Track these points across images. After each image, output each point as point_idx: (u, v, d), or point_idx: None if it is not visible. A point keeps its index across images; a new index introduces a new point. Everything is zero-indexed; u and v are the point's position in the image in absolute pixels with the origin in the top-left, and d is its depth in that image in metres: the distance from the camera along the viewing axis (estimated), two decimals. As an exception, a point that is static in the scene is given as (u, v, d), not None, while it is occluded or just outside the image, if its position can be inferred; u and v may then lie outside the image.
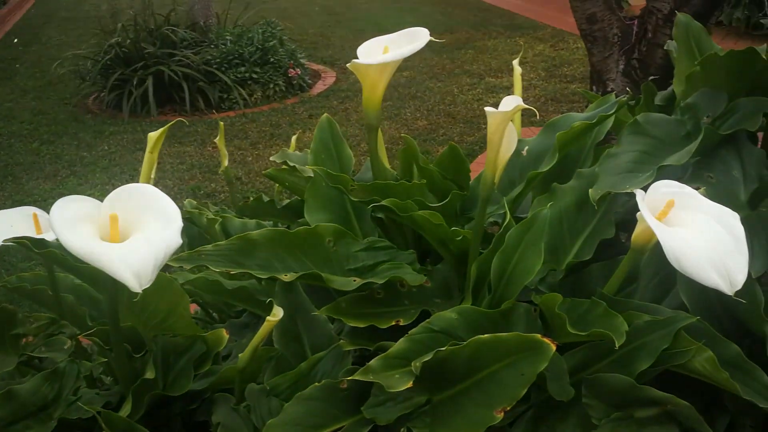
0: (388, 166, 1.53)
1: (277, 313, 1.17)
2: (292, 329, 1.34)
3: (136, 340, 1.33)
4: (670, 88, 1.88)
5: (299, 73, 6.49)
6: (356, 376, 1.08)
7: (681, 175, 1.42)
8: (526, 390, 1.06)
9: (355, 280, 1.26)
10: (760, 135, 1.57)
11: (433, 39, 1.31)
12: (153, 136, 1.36)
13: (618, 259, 1.35)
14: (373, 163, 1.42)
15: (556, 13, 8.79)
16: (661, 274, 1.30)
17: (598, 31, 3.69)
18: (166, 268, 1.26)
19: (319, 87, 6.67)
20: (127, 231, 1.04)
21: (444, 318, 1.18)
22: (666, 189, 1.13)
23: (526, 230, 1.24)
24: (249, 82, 6.26)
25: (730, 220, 1.07)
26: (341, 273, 1.30)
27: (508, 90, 6.10)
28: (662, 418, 1.13)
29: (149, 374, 1.21)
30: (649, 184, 1.22)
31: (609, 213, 1.38)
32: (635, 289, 1.31)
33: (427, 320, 1.18)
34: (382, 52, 1.35)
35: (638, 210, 1.13)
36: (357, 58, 1.35)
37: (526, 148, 1.51)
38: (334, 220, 1.52)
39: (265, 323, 1.18)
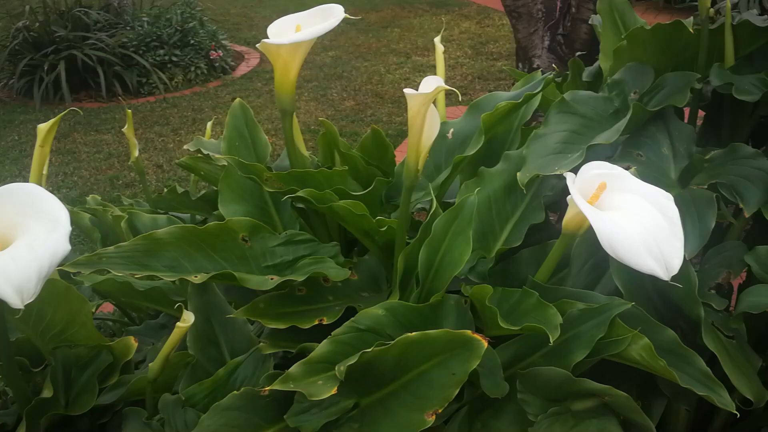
0: (305, 152, 1.43)
1: (188, 318, 1.08)
2: (208, 332, 1.24)
3: (35, 354, 1.21)
4: (596, 64, 1.84)
5: (221, 55, 6.27)
6: (275, 386, 0.99)
7: (610, 154, 1.37)
8: (458, 390, 0.99)
9: (272, 279, 1.17)
10: (686, 110, 1.55)
11: (348, 16, 1.22)
12: (43, 128, 1.23)
13: (549, 243, 1.30)
14: (290, 150, 1.33)
15: (481, -10, 8.77)
16: (594, 258, 1.25)
17: (522, 7, 3.66)
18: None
19: (243, 69, 6.47)
20: (8, 237, 0.92)
21: (370, 315, 1.11)
22: (597, 171, 1.07)
23: (454, 218, 1.17)
24: (169, 65, 6.01)
25: (664, 202, 1.03)
26: (258, 271, 1.21)
27: (435, 68, 6.02)
28: (600, 410, 1.09)
29: (46, 392, 1.10)
30: (579, 165, 1.17)
31: (538, 196, 1.32)
32: (567, 275, 1.26)
33: (352, 318, 1.10)
34: (295, 30, 1.25)
35: (568, 191, 1.07)
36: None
37: (451, 130, 1.44)
38: (251, 212, 1.42)
39: (175, 330, 1.08)
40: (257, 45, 1.23)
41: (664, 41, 1.40)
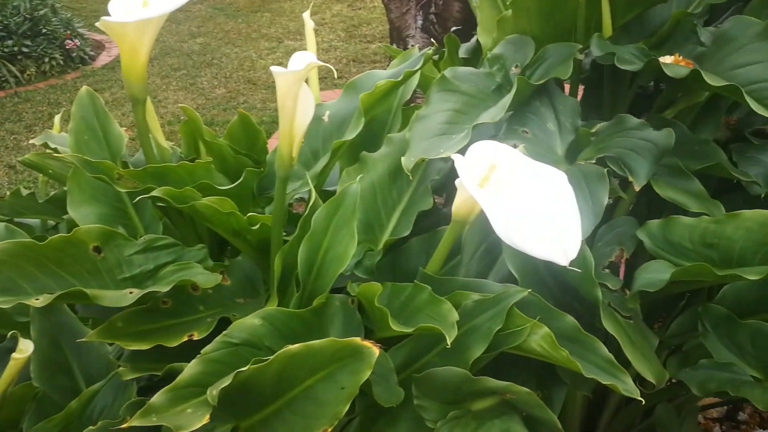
0: (165, 144, 1.28)
1: (25, 347, 0.91)
2: (57, 359, 1.08)
3: None
4: (474, 39, 1.77)
5: (78, 44, 5.84)
6: (135, 421, 0.85)
7: (495, 132, 1.30)
8: (348, 405, 0.88)
9: (131, 292, 1.02)
10: (567, 86, 1.51)
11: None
12: None
13: (438, 230, 1.22)
14: (144, 143, 1.16)
15: (351, -27, 8.64)
16: (485, 243, 1.18)
17: (394, -14, 3.58)
18: None
19: (104, 59, 6.06)
20: None
21: (245, 326, 0.98)
22: (486, 150, 0.99)
23: (336, 210, 1.06)
24: (19, 56, 5.53)
25: (558, 181, 0.95)
26: (114, 285, 1.05)
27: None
28: (501, 408, 1.01)
29: None
30: (466, 146, 1.08)
31: (425, 181, 1.23)
32: (459, 263, 1.18)
33: (225, 332, 0.97)
34: (142, 5, 1.09)
35: (455, 174, 0.98)
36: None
37: (327, 112, 1.32)
38: (106, 215, 1.26)
39: (10, 363, 0.92)
40: (97, 24, 1.06)
41: (549, 10, 1.34)
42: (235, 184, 1.16)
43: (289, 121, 0.94)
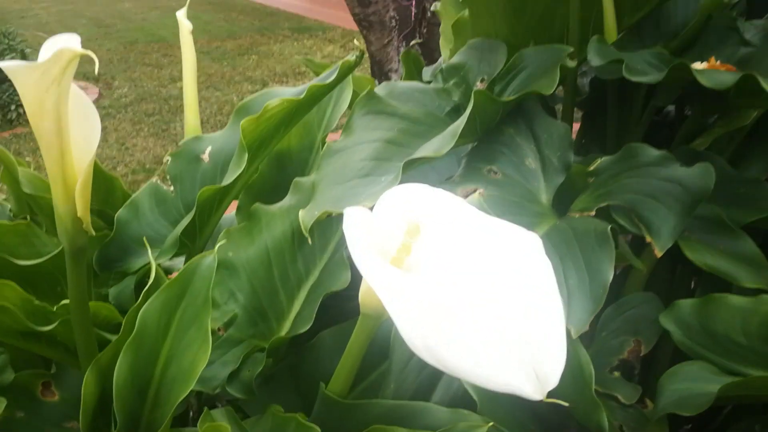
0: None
1: None
2: None
3: None
4: (440, 59, 1.41)
5: (51, 89, 5.52)
6: None
7: (450, 172, 0.91)
8: None
9: None
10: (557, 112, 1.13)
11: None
12: None
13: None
14: None
15: (347, 14, 8.39)
16: (430, 341, 0.77)
17: (373, 15, 3.23)
18: None
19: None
20: None
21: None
22: (406, 202, 0.59)
23: (179, 298, 0.67)
24: (-20, 103, 5.23)
25: (527, 252, 0.55)
26: None
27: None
28: None
29: None
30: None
31: (341, 248, 0.84)
32: (387, 372, 0.77)
33: None
34: None
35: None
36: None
37: (209, 149, 0.93)
38: None
39: None
40: None
41: (519, 2, 0.96)
42: (50, 255, 0.77)
43: (56, 156, 0.54)
